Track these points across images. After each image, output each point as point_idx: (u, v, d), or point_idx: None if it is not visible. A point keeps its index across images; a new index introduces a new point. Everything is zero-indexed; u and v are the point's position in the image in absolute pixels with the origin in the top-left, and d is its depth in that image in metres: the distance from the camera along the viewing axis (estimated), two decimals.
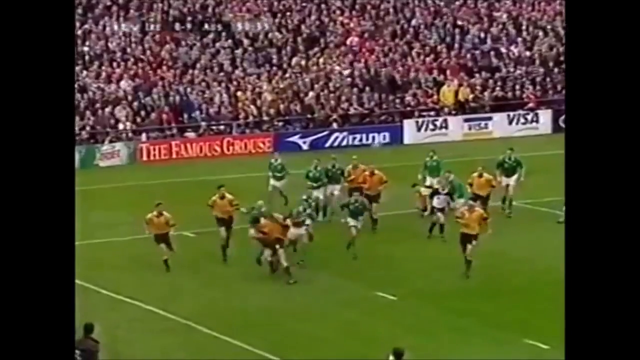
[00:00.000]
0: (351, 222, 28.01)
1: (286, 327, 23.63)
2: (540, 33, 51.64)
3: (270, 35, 48.64)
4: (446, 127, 45.84)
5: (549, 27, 52.23)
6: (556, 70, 49.24)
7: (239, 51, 47.36)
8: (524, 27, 51.86)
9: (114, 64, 45.49)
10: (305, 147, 43.84)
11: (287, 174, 32.81)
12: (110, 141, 42.35)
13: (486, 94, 47.50)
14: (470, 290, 25.80)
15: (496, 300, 25.39)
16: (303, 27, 49.50)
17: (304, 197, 28.78)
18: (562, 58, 49.96)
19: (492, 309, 24.78)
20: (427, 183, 32.38)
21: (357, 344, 22.49)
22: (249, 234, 26.85)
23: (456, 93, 46.93)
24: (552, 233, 31.00)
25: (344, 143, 44.21)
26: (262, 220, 26.46)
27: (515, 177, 32.12)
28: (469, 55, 49.47)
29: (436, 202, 29.70)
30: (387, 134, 45.15)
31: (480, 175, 30.67)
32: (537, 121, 46.96)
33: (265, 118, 44.78)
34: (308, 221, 27.52)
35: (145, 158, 42.49)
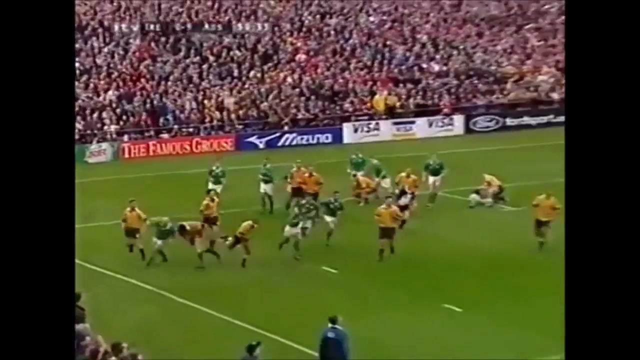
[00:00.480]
0: (329, 219, 27.27)
1: (248, 298, 23.49)
2: (454, 52, 51.90)
3: (231, 52, 48.45)
4: (378, 130, 45.91)
5: (461, 46, 52.54)
6: (467, 82, 49.54)
7: (205, 66, 47.15)
8: (440, 47, 52.10)
9: (101, 77, 45.09)
10: (261, 146, 43.68)
11: (225, 179, 31.36)
12: (98, 141, 42.00)
13: (410, 101, 47.66)
14: (399, 265, 25.80)
15: (420, 272, 25.43)
16: (259, 46, 49.36)
17: (302, 201, 27.74)
18: (471, 72, 50.31)
19: (417, 279, 24.83)
20: (357, 175, 32.44)
21: (304, 309, 22.43)
22: (156, 244, 25.55)
23: (386, 101, 47.04)
24: (464, 216, 31.29)
25: (294, 142, 44.14)
26: (187, 225, 25.67)
27: (439, 177, 32.06)
28: (396, 70, 49.61)
29: (403, 200, 29.11)
30: (329, 135, 45.12)
31: (408, 176, 30.41)
32: (451, 124, 47.17)
33: (227, 122, 44.59)
34: (308, 223, 26.57)
35: (127, 156, 42.13)
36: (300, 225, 26.29)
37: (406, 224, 28.24)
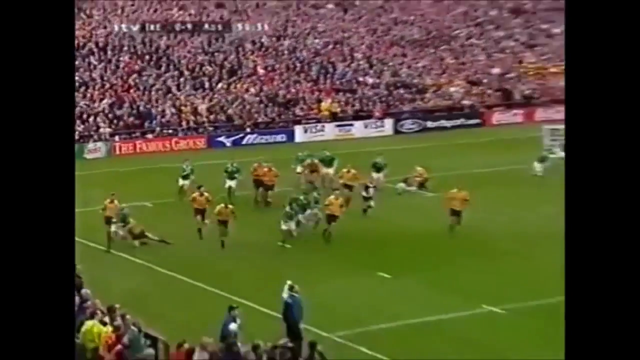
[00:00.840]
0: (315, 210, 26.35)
1: (221, 269, 23.31)
2: (385, 68, 52.13)
3: (203, 68, 48.12)
4: (323, 131, 45.85)
5: (390, 63, 52.79)
6: (395, 92, 49.78)
7: (182, 79, 46.78)
8: (374, 64, 52.28)
9: (96, 88, 44.51)
10: (228, 144, 43.42)
11: (194, 175, 30.15)
12: (94, 141, 41.47)
13: (349, 108, 47.77)
14: (341, 240, 25.75)
15: (358, 247, 25.48)
16: (226, 62, 49.07)
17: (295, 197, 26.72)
18: (399, 84, 50.51)
19: (356, 252, 24.89)
20: (298, 170, 31.80)
21: (262, 276, 22.41)
22: (112, 230, 24.95)
23: (330, 107, 47.05)
24: (394, 201, 31.38)
25: (255, 141, 43.90)
26: (131, 221, 25.16)
27: (382, 173, 31.90)
28: (338, 82, 49.67)
29: (370, 192, 28.63)
30: (284, 135, 44.99)
31: (349, 171, 30.06)
32: (383, 127, 47.30)
33: (200, 124, 44.30)
34: (307, 211, 25.71)
35: (118, 152, 41.63)
36: (295, 219, 25.32)
37: (370, 210, 28.27)
